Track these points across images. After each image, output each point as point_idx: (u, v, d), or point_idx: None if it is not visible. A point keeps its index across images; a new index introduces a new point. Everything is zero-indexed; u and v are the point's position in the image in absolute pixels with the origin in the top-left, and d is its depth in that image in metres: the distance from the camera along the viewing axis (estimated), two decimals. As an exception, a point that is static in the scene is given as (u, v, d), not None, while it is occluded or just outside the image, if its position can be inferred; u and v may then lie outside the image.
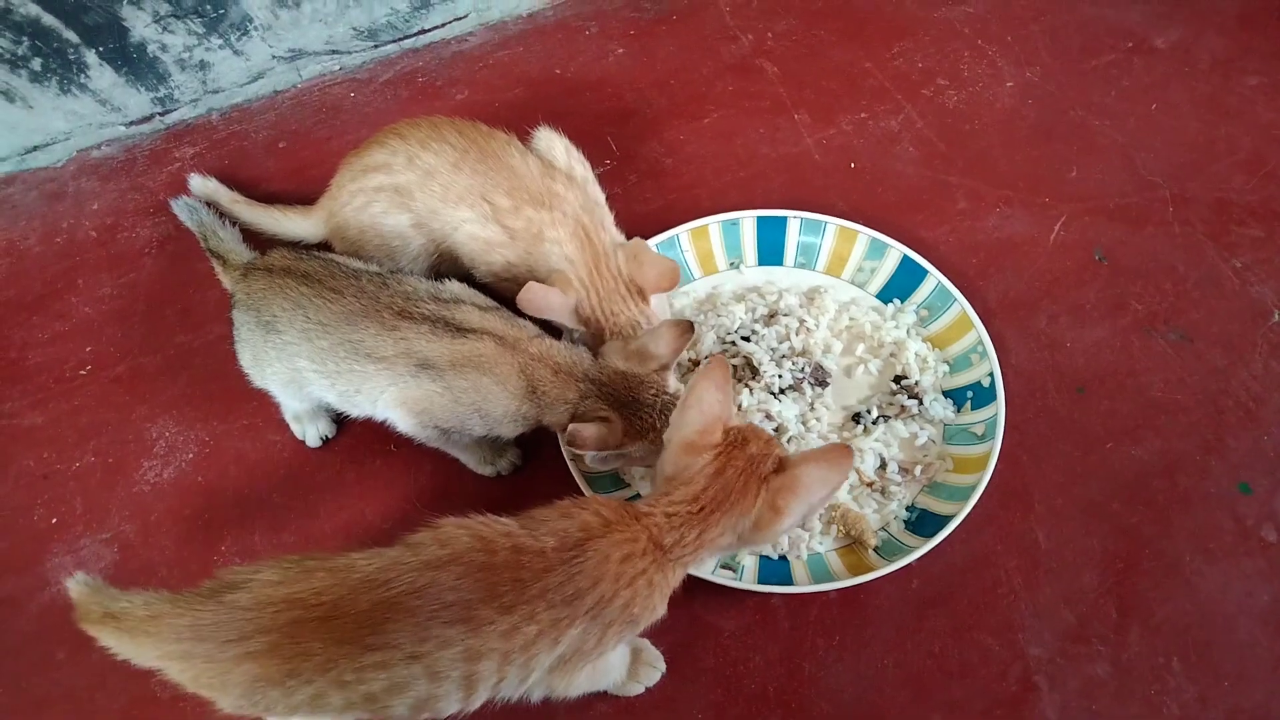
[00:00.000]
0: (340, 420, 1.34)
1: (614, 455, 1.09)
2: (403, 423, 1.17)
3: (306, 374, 1.16)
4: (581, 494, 1.18)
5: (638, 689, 1.12)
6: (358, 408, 1.19)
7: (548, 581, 0.85)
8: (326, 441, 1.34)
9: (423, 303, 1.14)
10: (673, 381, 1.14)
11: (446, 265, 1.36)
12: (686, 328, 1.12)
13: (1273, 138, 1.60)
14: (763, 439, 0.97)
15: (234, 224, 1.44)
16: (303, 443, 1.34)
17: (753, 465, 0.94)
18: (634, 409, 1.09)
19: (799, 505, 0.93)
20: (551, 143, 1.35)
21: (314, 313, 1.14)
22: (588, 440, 1.05)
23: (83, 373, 1.43)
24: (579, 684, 0.97)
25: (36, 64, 1.52)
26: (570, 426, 1.04)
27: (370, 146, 1.31)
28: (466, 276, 1.31)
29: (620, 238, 1.29)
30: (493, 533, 0.87)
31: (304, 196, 1.47)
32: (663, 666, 1.14)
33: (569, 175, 1.31)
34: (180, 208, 1.46)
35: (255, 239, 1.46)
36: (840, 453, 0.95)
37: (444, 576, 0.83)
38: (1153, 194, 1.55)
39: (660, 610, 0.94)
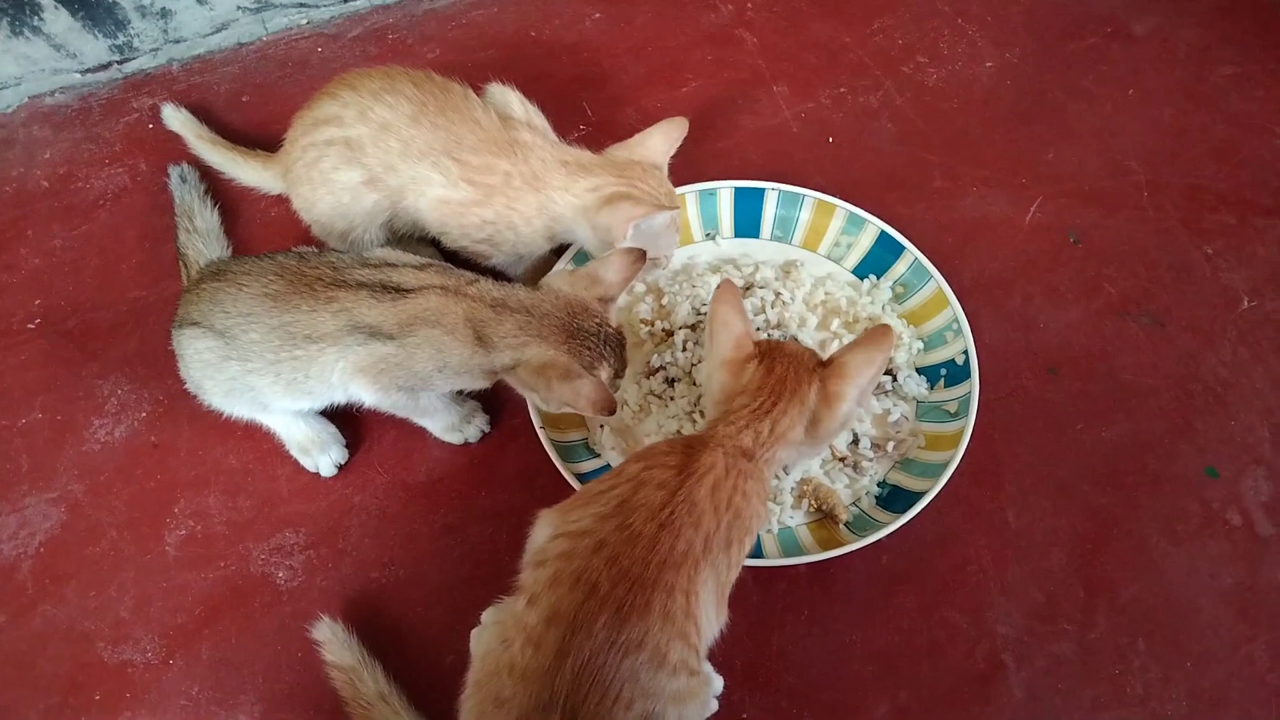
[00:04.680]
0: (351, 445, 1.28)
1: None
2: (367, 393, 1.12)
3: (243, 378, 1.11)
4: (551, 462, 1.17)
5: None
6: (313, 394, 1.14)
7: (656, 556, 0.84)
8: (341, 469, 1.27)
9: (352, 269, 1.09)
10: (614, 317, 1.11)
11: (404, 229, 1.32)
12: (638, 255, 1.11)
13: (1245, 127, 1.61)
14: (794, 343, 1.03)
15: (215, 205, 1.41)
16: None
17: (798, 360, 0.98)
18: (579, 339, 1.06)
19: (851, 388, 0.97)
20: (506, 96, 1.31)
21: (231, 305, 1.09)
22: (593, 401, 1.02)
23: (31, 326, 1.38)
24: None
25: (-14, 3, 1.45)
26: (572, 384, 1.02)
27: (320, 99, 1.26)
28: (432, 243, 1.29)
29: None
30: (584, 564, 0.84)
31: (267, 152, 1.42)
32: None
33: (530, 125, 1.27)
34: (174, 176, 1.43)
35: (228, 224, 1.44)
36: (880, 332, 0.99)
37: (583, 645, 0.80)
38: (1127, 179, 1.55)
39: (765, 514, 0.97)
